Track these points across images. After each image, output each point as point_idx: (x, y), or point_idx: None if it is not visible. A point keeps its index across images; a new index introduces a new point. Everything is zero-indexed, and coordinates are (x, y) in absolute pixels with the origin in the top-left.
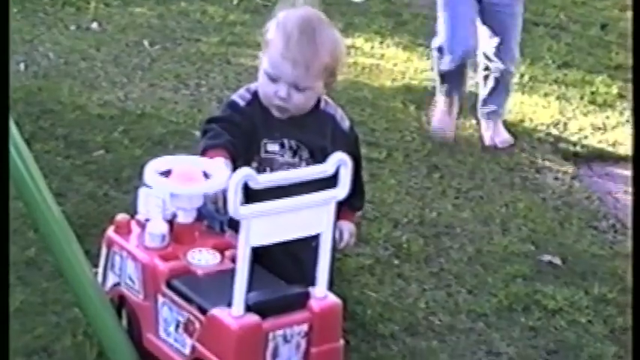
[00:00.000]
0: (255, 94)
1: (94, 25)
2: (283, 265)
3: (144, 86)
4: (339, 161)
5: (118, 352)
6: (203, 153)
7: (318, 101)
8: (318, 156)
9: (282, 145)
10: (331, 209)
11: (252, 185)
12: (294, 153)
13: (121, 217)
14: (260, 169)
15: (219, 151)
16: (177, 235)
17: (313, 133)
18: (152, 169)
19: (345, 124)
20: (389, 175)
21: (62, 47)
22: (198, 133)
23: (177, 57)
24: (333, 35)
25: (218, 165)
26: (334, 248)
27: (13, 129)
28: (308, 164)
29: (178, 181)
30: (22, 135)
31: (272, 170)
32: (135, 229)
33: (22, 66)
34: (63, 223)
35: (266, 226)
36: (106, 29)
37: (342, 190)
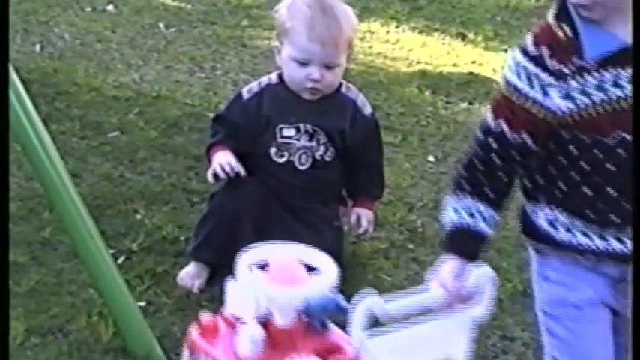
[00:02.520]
0: (264, 87)
1: (110, 7)
2: (299, 232)
3: (159, 68)
4: (484, 275)
5: (133, 332)
6: (207, 153)
7: (340, 85)
8: (336, 139)
9: (297, 130)
10: (467, 330)
11: (379, 312)
12: (311, 137)
13: (206, 318)
14: (278, 154)
15: (220, 147)
16: (274, 339)
17: (331, 117)
18: (246, 262)
19: (367, 109)
20: (404, 160)
21: (78, 29)
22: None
23: (192, 40)
24: (345, 7)
25: (322, 257)
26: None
27: (32, 111)
28: (326, 147)
29: (279, 280)
30: (38, 116)
31: (290, 155)
32: (222, 328)
33: (37, 47)
34: (79, 204)
35: (392, 354)
36: (122, 11)
37: (483, 308)
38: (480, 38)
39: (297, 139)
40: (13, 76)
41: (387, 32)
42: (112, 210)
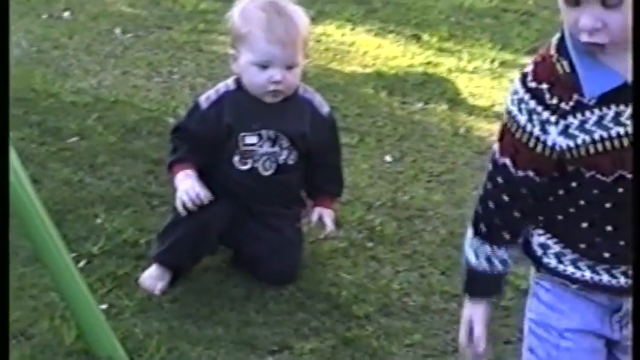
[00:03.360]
0: (223, 94)
1: (66, 13)
2: (263, 235)
3: (117, 74)
4: None
5: (95, 335)
6: (169, 169)
7: (297, 88)
8: (298, 143)
9: (260, 137)
10: None
11: None
12: (273, 142)
13: None
14: (242, 162)
15: (182, 164)
16: None
17: (292, 121)
18: None
19: (324, 109)
20: (361, 160)
21: (34, 36)
22: (171, 120)
23: (149, 45)
24: (297, 7)
25: None
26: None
27: None
28: (289, 151)
29: None
30: None
31: (253, 162)
32: None
33: None
34: (40, 209)
35: None
36: (78, 18)
37: None
38: (434, 39)
39: (260, 146)
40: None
41: (343, 35)
42: (73, 214)
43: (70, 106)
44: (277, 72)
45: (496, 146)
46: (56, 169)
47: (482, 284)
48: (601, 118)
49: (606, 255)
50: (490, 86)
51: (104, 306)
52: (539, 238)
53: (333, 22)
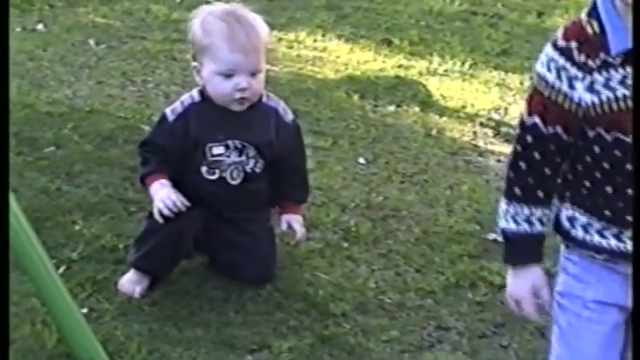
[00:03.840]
0: (188, 106)
1: (40, 26)
2: (237, 240)
3: (91, 84)
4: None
5: (76, 338)
6: (142, 182)
7: (260, 95)
8: (264, 151)
9: (227, 147)
10: None
11: None
12: (240, 152)
13: None
14: (210, 172)
15: (155, 175)
16: None
17: (258, 129)
18: None
19: (289, 116)
20: (335, 162)
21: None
22: (147, 128)
23: (123, 55)
24: (255, 15)
25: None
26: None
27: None
28: (256, 160)
29: None
30: None
31: (221, 171)
32: None
33: None
34: (20, 217)
35: None
36: (52, 30)
37: None
38: (405, 43)
39: (228, 156)
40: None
41: (315, 40)
42: (51, 222)
43: (45, 117)
44: (242, 79)
45: (524, 109)
46: (33, 178)
47: (528, 248)
48: (624, 77)
49: (629, 219)
50: (461, 88)
51: (85, 310)
52: (567, 212)
53: (305, 29)
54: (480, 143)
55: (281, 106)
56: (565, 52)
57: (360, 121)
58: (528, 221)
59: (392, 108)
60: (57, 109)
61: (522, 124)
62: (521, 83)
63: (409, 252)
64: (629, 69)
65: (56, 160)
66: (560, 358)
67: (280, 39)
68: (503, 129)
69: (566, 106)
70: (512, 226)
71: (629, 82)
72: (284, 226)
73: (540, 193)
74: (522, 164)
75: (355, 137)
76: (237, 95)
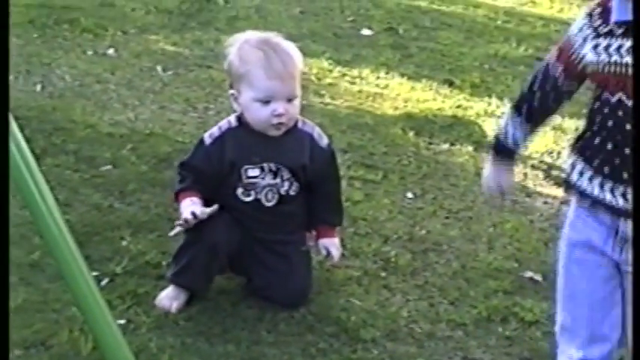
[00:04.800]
0: (225, 131)
1: (111, 50)
2: (272, 262)
3: (154, 108)
4: None
5: (110, 347)
6: (176, 198)
7: (296, 121)
8: (299, 174)
9: (262, 169)
10: None
11: None
12: (275, 174)
13: None
14: (245, 194)
15: (188, 192)
16: None
17: (292, 152)
18: None
19: (323, 141)
20: (383, 195)
21: (78, 71)
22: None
23: (188, 82)
24: (289, 42)
25: None
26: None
27: (25, 148)
28: (290, 183)
29: None
30: (34, 150)
31: (256, 193)
32: None
33: (38, 87)
34: (64, 231)
35: None
36: (122, 55)
37: None
38: (466, 84)
39: (263, 178)
40: (8, 115)
41: (377, 77)
42: (100, 236)
43: (105, 137)
44: (279, 105)
45: (554, 49)
46: (87, 195)
47: (509, 151)
48: (620, 46)
49: (625, 176)
50: None
51: (122, 321)
52: (573, 160)
53: (369, 66)
54: (530, 184)
55: (316, 131)
56: (589, 16)
57: (413, 157)
58: (515, 141)
59: (446, 146)
60: (118, 131)
61: (547, 63)
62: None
63: (445, 285)
64: (626, 40)
65: (111, 179)
66: (559, 293)
67: (344, 74)
68: (554, 172)
69: (573, 57)
70: (510, 130)
71: (622, 52)
72: (323, 251)
73: (539, 121)
74: (538, 92)
75: (406, 172)
76: (275, 121)
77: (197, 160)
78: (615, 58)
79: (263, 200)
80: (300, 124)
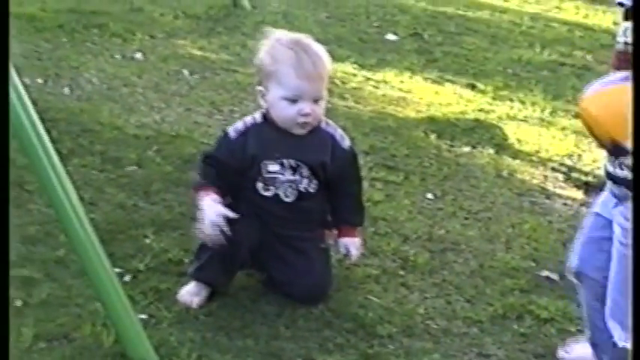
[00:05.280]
0: (249, 126)
1: (138, 54)
2: (290, 258)
3: (180, 111)
4: None
5: (131, 340)
6: (195, 191)
7: (319, 121)
8: (318, 171)
9: (282, 165)
10: None
11: None
12: (294, 171)
13: None
14: (265, 188)
15: (209, 188)
16: None
17: (313, 150)
18: None
19: (345, 142)
20: (404, 196)
21: (106, 74)
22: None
23: (214, 85)
24: (319, 45)
25: None
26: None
27: (50, 148)
28: (309, 180)
29: None
30: (62, 151)
31: (276, 188)
32: None
33: (66, 90)
34: (88, 229)
35: None
36: (149, 59)
37: None
38: (489, 88)
39: (282, 174)
40: (31, 112)
41: (401, 82)
42: (124, 235)
43: (132, 139)
44: (306, 105)
45: None
46: (112, 194)
47: None
48: (626, 28)
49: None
50: (538, 133)
51: (144, 316)
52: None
53: (393, 70)
54: (549, 186)
55: (338, 132)
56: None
57: (434, 159)
58: None
59: (467, 149)
60: (144, 132)
61: None
62: None
63: (462, 283)
64: (626, 22)
65: (136, 179)
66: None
67: (368, 79)
68: (574, 174)
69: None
70: None
71: (621, 31)
72: (342, 250)
73: None
74: None
75: (427, 174)
76: (301, 120)
77: (220, 153)
78: (617, 38)
79: (282, 196)
80: (323, 125)
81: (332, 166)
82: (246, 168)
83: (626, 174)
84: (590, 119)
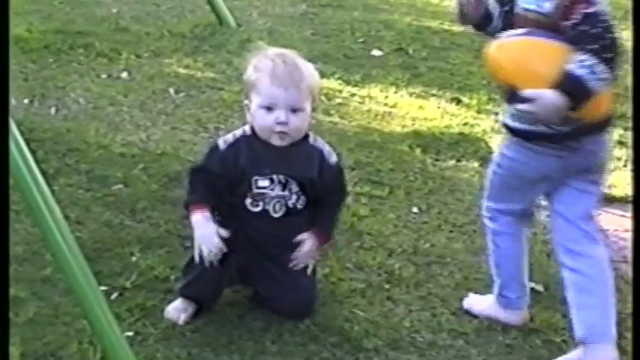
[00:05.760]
0: (240, 138)
1: (124, 74)
2: (277, 274)
3: (166, 129)
4: None
5: (118, 358)
6: (186, 208)
7: (307, 136)
8: (307, 187)
9: (271, 180)
10: None
11: None
12: (284, 186)
13: None
14: (253, 204)
15: (200, 205)
16: None
17: (301, 166)
18: None
19: (332, 158)
20: (389, 210)
21: (92, 93)
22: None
23: (199, 103)
24: (307, 63)
25: None
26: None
27: (35, 169)
28: (298, 196)
29: None
30: (48, 171)
31: (264, 204)
32: None
33: (53, 110)
34: (74, 247)
35: None
36: (135, 78)
37: None
38: (474, 102)
39: (272, 189)
40: (16, 135)
41: (386, 97)
42: (110, 252)
43: (118, 157)
44: (282, 113)
45: None
46: (99, 213)
47: None
48: None
49: None
50: None
51: (131, 333)
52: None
53: (378, 85)
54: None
55: (326, 148)
56: None
57: (420, 173)
58: None
59: (452, 162)
60: (129, 151)
61: None
62: None
63: (448, 296)
64: None
65: (122, 197)
66: None
67: (353, 94)
68: None
69: None
70: None
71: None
72: (302, 237)
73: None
74: None
75: (412, 188)
76: (277, 128)
77: (211, 164)
78: None
79: (271, 211)
80: (311, 140)
81: (319, 182)
82: (236, 182)
83: (518, 125)
84: (494, 64)
